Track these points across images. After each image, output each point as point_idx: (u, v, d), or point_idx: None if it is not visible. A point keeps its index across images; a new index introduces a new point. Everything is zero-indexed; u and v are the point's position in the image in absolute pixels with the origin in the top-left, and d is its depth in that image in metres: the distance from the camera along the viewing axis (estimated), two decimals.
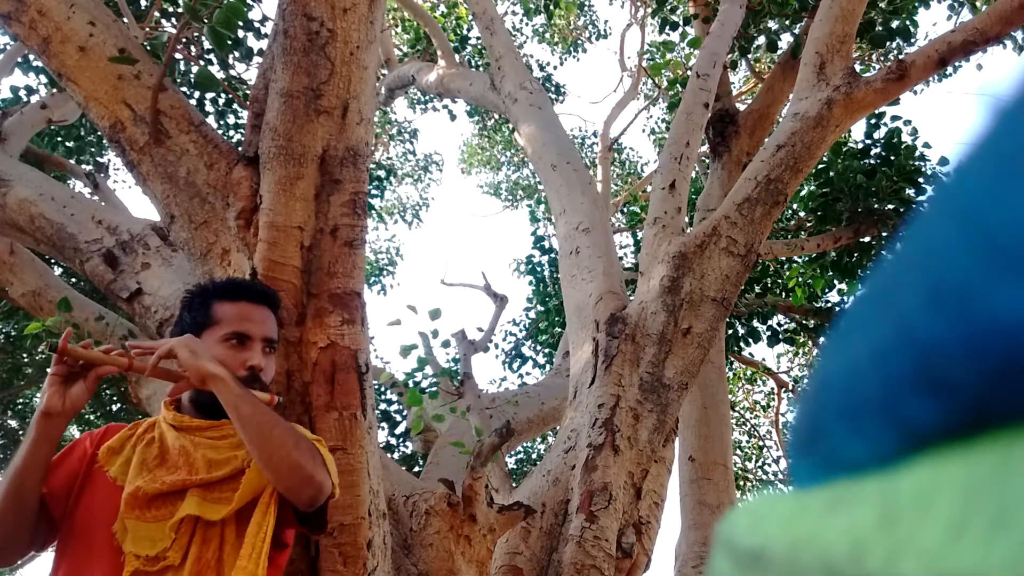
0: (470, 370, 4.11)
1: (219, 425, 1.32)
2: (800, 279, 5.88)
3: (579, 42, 10.26)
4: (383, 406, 6.45)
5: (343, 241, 1.79)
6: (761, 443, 9.31)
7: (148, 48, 4.22)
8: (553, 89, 8.99)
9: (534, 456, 8.79)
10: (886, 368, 0.17)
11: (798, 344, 7.65)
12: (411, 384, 4.51)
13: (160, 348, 1.21)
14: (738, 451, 9.11)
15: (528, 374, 7.80)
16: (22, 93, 5.33)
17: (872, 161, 5.31)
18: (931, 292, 0.16)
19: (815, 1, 4.67)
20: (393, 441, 6.41)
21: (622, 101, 8.65)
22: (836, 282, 5.71)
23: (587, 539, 2.30)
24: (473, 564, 2.13)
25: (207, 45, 5.28)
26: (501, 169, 12.55)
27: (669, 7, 6.14)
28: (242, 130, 4.59)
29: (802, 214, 5.92)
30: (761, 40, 5.66)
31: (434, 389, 4.45)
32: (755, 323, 6.07)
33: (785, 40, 5.74)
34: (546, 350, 7.55)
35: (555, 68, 11.09)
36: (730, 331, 5.99)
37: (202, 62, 5.27)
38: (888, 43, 5.45)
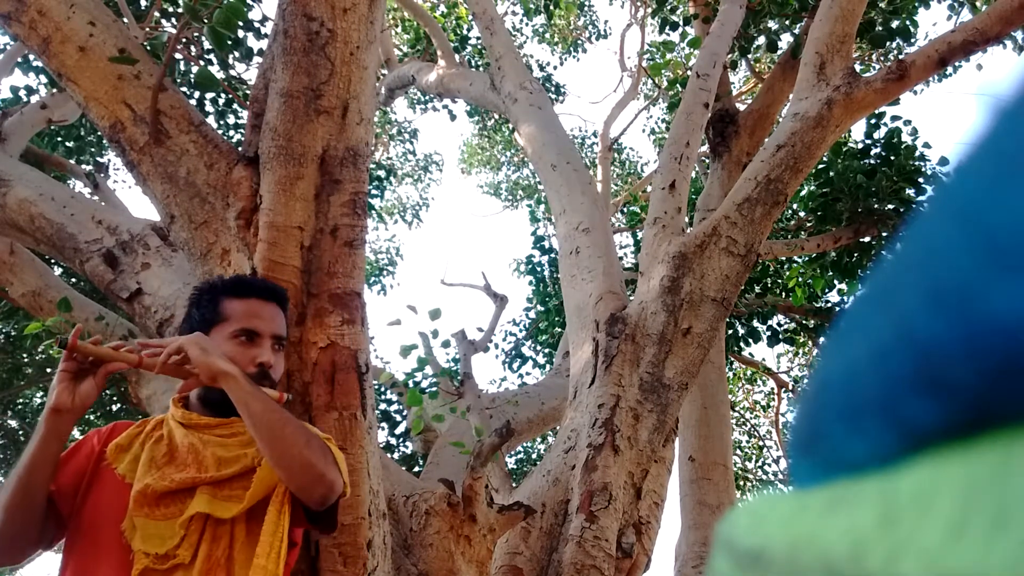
0: (470, 370, 4.11)
1: (228, 423, 1.31)
2: (800, 279, 5.88)
3: (579, 42, 10.26)
4: (383, 406, 6.45)
5: (343, 241, 1.79)
6: (761, 443, 9.31)
7: (148, 48, 4.22)
8: (553, 89, 9.00)
9: (534, 456, 8.79)
10: (886, 368, 0.17)
11: (798, 344, 7.65)
12: (411, 384, 4.51)
13: (170, 345, 1.21)
14: (738, 451, 9.11)
15: (528, 374, 7.81)
16: (22, 93, 5.33)
17: (872, 161, 5.31)
18: (931, 292, 0.16)
19: (815, 1, 4.67)
20: (393, 441, 6.42)
21: (622, 101, 8.65)
22: (836, 282, 5.71)
23: (587, 539, 2.30)
24: (473, 564, 2.13)
25: (207, 45, 5.28)
26: (501, 169, 12.56)
27: (669, 7, 6.14)
28: (242, 130, 4.59)
29: (802, 214, 5.92)
30: (761, 40, 5.66)
31: (434, 389, 4.45)
32: (755, 323, 6.07)
33: (785, 40, 5.74)
34: (546, 350, 7.55)
35: (555, 68, 11.10)
36: (730, 331, 5.99)
37: (202, 62, 5.27)
38: (888, 43, 5.45)
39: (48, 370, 6.07)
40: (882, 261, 0.19)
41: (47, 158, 4.91)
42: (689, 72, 4.51)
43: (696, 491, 3.82)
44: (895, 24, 5.24)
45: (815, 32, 3.32)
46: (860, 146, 5.47)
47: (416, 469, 5.72)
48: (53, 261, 4.76)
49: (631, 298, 2.95)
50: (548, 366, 7.30)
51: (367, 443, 1.78)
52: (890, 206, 5.08)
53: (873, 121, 5.37)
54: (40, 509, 1.21)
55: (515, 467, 8.41)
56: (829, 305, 6.02)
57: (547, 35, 10.09)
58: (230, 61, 5.03)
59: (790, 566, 0.19)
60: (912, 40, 5.55)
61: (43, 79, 5.35)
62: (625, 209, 8.62)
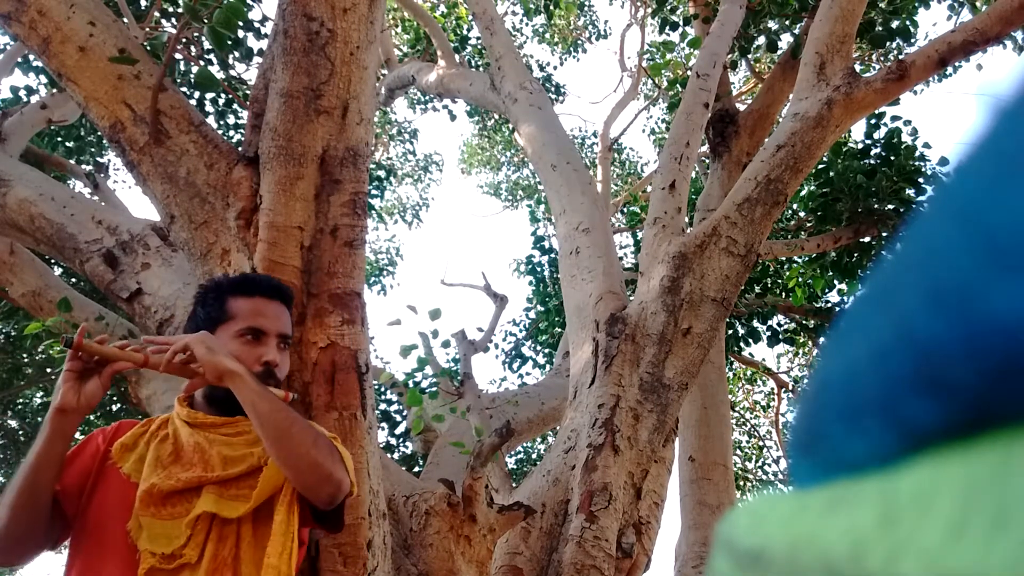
0: (470, 370, 4.10)
1: (234, 422, 1.31)
2: (800, 279, 5.88)
3: (579, 42, 10.26)
4: (383, 406, 6.45)
5: (343, 241, 1.79)
6: (761, 443, 9.31)
7: (148, 48, 4.22)
8: (553, 89, 9.00)
9: (534, 456, 8.79)
10: (886, 368, 0.17)
11: (798, 344, 7.65)
12: (411, 384, 4.51)
13: (176, 344, 1.20)
14: (738, 451, 9.11)
15: (528, 374, 7.80)
16: (22, 93, 5.33)
17: (872, 161, 5.31)
18: (931, 292, 0.16)
19: (815, 1, 4.67)
20: (393, 441, 6.42)
21: (622, 101, 8.65)
22: (836, 282, 5.71)
23: (587, 539, 2.30)
24: (473, 564, 2.13)
25: (207, 45, 5.28)
26: (501, 169, 12.56)
27: (669, 7, 6.14)
28: (242, 130, 4.59)
29: (802, 214, 5.92)
30: (761, 40, 5.66)
31: (434, 389, 4.45)
32: (755, 323, 6.07)
33: (785, 40, 5.74)
34: (546, 350, 7.55)
35: (555, 68, 11.10)
36: (730, 331, 5.99)
37: (202, 62, 5.27)
38: (888, 43, 5.45)
39: (48, 370, 6.07)
40: (882, 261, 0.19)
41: (47, 158, 4.91)
42: (689, 72, 4.51)
43: (696, 491, 3.82)
44: (895, 24, 5.24)
45: (815, 32, 3.32)
46: (860, 146, 5.47)
47: (416, 469, 5.72)
48: (53, 261, 4.76)
49: (631, 298, 2.95)
50: (548, 366, 7.30)
51: (367, 443, 1.78)
52: (890, 206, 5.08)
53: (873, 121, 5.37)
54: (45, 509, 1.20)
55: (515, 467, 8.41)
56: (829, 305, 6.02)
57: (547, 35, 10.09)
58: (230, 61, 5.03)
59: (790, 566, 0.19)
60: (912, 40, 5.55)
61: (43, 79, 5.35)
62: (625, 209, 8.62)
